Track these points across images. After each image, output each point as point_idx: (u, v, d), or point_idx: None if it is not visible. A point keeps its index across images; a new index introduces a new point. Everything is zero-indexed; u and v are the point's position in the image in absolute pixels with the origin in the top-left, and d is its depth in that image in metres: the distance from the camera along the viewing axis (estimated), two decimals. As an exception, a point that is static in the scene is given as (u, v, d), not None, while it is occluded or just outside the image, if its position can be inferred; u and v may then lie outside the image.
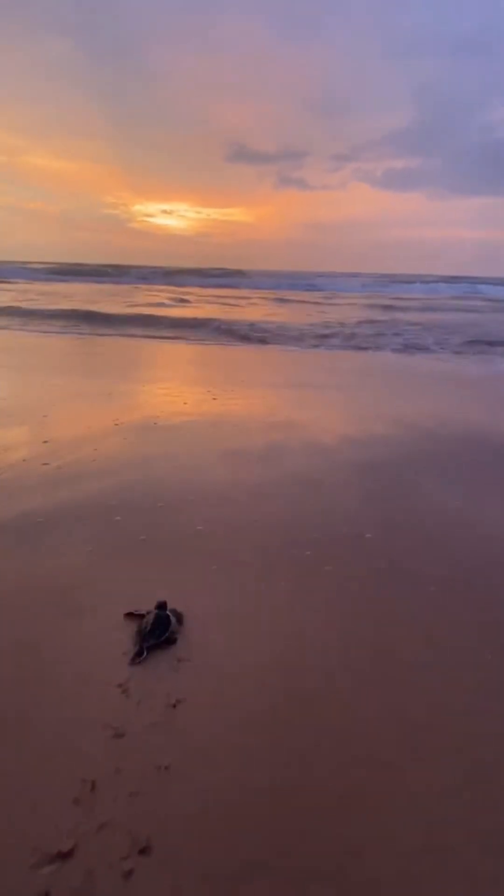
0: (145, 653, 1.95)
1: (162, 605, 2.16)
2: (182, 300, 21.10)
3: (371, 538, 2.88)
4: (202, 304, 19.72)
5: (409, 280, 42.01)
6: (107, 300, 19.37)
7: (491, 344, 11.15)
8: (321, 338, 11.80)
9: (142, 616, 2.12)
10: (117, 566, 2.54)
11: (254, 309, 19.49)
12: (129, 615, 2.16)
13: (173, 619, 2.08)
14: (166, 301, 20.32)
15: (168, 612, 2.11)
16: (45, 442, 4.20)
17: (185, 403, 5.72)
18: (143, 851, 1.26)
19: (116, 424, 4.79)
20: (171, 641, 2.01)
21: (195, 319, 14.26)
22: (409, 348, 10.69)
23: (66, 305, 15.87)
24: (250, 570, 2.54)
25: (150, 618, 2.07)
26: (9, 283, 27.39)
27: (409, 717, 1.71)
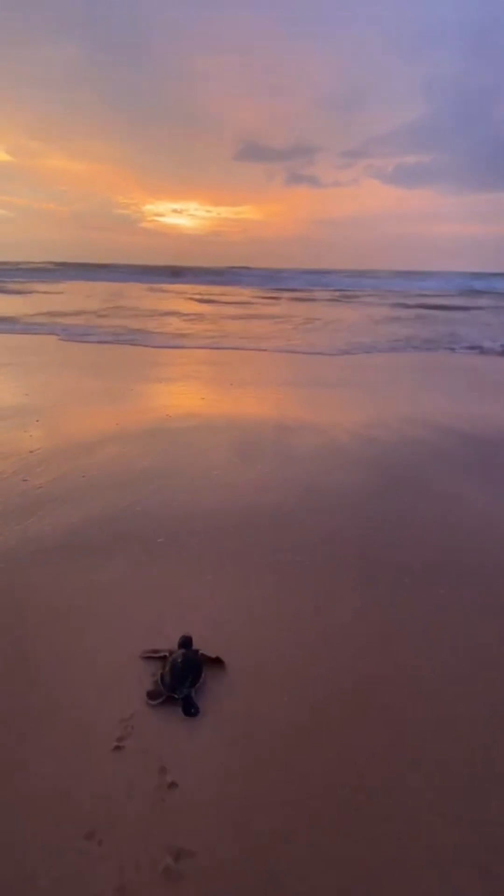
0: (164, 698, 1.64)
1: (187, 642, 1.83)
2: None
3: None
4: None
5: (426, 276, 41.03)
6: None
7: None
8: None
9: (163, 658, 1.78)
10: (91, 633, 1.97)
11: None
12: (148, 657, 1.81)
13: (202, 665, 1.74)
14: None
15: (195, 652, 1.78)
16: (32, 452, 3.63)
17: (202, 399, 5.30)
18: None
19: (118, 429, 4.24)
20: (189, 711, 1.62)
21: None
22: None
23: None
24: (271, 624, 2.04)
25: (178, 658, 1.72)
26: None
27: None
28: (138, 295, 21.70)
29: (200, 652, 1.79)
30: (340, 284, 33.41)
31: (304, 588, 2.25)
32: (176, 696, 1.63)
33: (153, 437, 4.08)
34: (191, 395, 5.69)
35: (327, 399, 5.76)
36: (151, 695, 1.65)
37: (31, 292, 20.66)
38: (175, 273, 38.87)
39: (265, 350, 9.02)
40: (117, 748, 1.48)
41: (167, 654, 1.78)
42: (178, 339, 10.11)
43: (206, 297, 21.54)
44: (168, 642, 1.85)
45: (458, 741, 1.55)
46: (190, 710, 1.62)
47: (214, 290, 26.00)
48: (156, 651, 1.81)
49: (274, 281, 34.92)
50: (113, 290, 23.05)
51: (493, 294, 27.28)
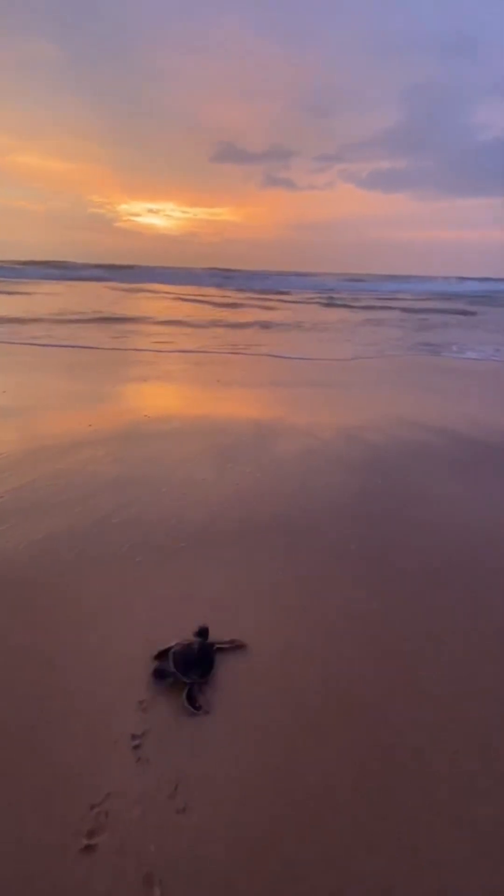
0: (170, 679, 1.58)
1: (203, 632, 1.76)
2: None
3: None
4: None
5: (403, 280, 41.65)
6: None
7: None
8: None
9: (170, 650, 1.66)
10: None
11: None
12: (162, 654, 1.67)
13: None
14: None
15: (211, 645, 1.71)
16: (-3, 457, 3.35)
17: (183, 400, 5.02)
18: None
19: (91, 430, 3.99)
20: (194, 704, 1.53)
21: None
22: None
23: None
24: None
25: (194, 644, 1.67)
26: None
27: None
28: (102, 295, 21.14)
29: (216, 646, 1.72)
30: (323, 286, 33.51)
31: (311, 606, 2.05)
32: (185, 680, 1.57)
33: (130, 440, 3.82)
34: (170, 396, 5.46)
35: (314, 400, 5.57)
36: (158, 673, 1.60)
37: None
38: (149, 273, 38.34)
39: (245, 354, 8.86)
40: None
41: (177, 644, 1.69)
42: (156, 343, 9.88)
43: (187, 298, 21.21)
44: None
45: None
46: (194, 703, 1.53)
47: (193, 291, 25.60)
48: (166, 650, 1.69)
49: (255, 281, 34.90)
50: (81, 290, 22.30)
51: (466, 298, 27.94)
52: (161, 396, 5.45)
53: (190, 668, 1.60)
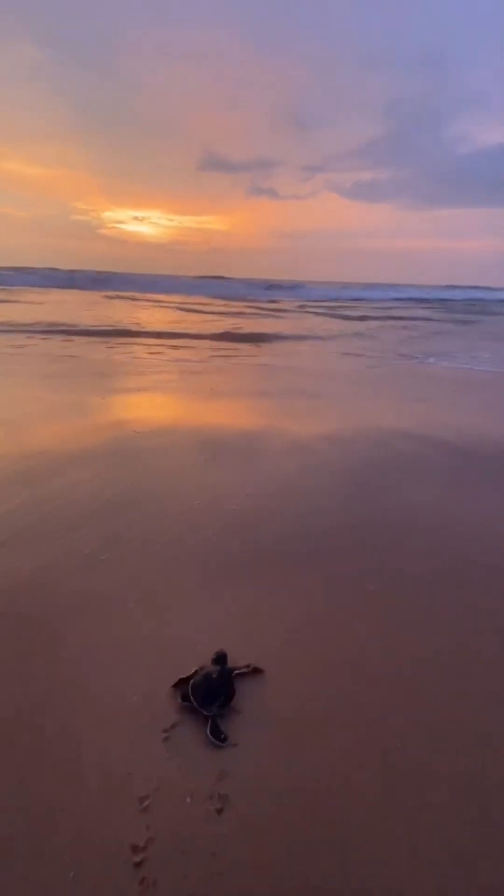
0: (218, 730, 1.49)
1: (221, 658, 1.71)
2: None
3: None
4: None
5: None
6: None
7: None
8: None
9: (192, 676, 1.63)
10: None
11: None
12: (180, 683, 1.63)
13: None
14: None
15: (230, 672, 1.66)
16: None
17: (171, 412, 4.73)
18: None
19: (78, 448, 3.64)
20: (219, 736, 1.47)
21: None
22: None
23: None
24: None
25: (213, 673, 1.62)
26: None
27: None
28: (93, 302, 20.77)
29: (235, 672, 1.67)
30: (315, 295, 33.28)
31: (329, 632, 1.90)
32: (205, 713, 1.52)
33: (118, 457, 3.52)
34: (159, 408, 5.16)
35: (307, 409, 5.37)
36: (185, 696, 1.56)
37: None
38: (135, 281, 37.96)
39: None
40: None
41: (197, 670, 1.65)
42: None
43: (180, 307, 20.87)
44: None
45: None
46: (219, 735, 1.47)
47: (184, 300, 25.14)
48: (186, 678, 1.63)
49: (244, 289, 34.70)
50: (67, 298, 21.84)
51: (450, 305, 28.10)
52: (149, 408, 5.17)
53: (211, 700, 1.54)
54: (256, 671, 1.69)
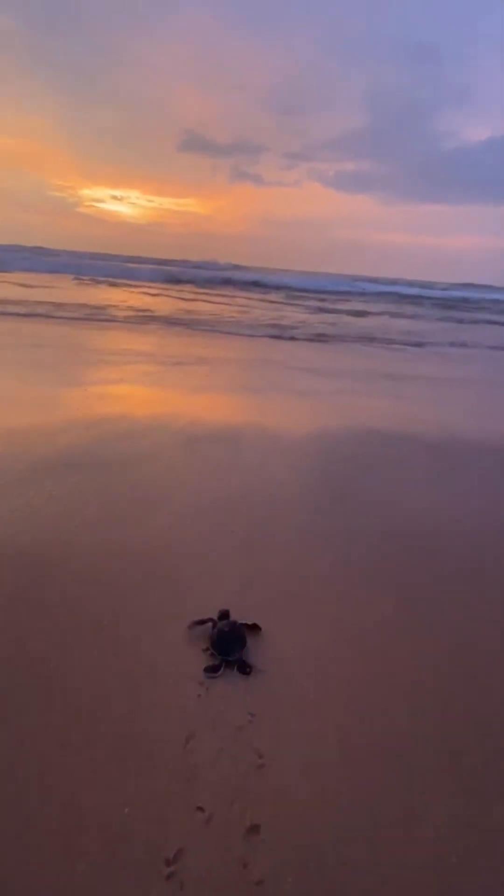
0: (223, 668, 1.88)
1: (225, 614, 2.08)
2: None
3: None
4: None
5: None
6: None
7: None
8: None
9: (208, 621, 2.04)
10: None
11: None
12: (196, 623, 2.04)
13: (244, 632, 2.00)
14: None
15: (237, 623, 2.02)
16: None
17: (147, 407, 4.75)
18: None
19: (56, 450, 3.72)
20: (244, 670, 1.89)
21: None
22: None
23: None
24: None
25: (226, 627, 1.97)
26: None
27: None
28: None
29: (239, 622, 2.03)
30: (292, 284, 32.52)
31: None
32: (230, 659, 1.89)
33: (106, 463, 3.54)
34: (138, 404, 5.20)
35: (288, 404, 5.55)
36: (209, 669, 1.87)
37: None
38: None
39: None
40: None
41: (211, 620, 2.04)
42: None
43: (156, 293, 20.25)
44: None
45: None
46: (245, 669, 1.88)
47: (164, 287, 24.12)
48: (202, 620, 2.04)
49: (227, 275, 33.69)
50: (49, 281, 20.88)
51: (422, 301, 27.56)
52: (127, 404, 5.12)
53: (230, 649, 1.91)
54: (256, 627, 2.05)
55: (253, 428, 4.54)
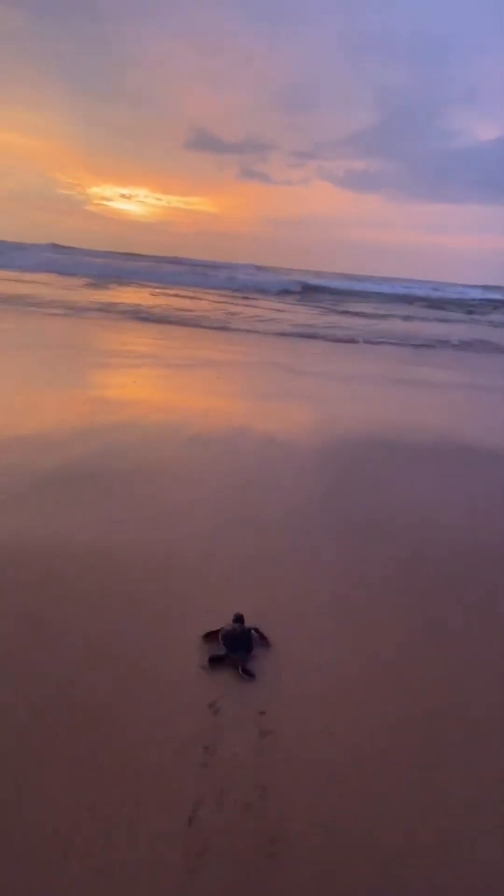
0: (225, 661, 1.92)
1: (239, 618, 2.10)
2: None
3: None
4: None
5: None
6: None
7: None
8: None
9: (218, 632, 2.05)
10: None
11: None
12: (209, 635, 2.06)
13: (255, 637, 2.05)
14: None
15: (249, 628, 2.06)
16: None
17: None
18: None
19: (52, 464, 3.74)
20: (249, 673, 1.92)
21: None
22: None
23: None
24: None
25: (236, 628, 2.03)
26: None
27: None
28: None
29: (253, 629, 2.07)
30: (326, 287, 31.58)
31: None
32: (233, 656, 1.92)
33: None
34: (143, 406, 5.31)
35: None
36: (213, 659, 1.93)
37: None
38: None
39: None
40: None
41: (223, 627, 2.07)
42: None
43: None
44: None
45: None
46: (248, 672, 1.90)
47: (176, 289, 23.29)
48: (213, 632, 2.06)
49: (239, 275, 33.68)
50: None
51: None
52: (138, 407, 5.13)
53: (237, 647, 1.96)
54: (265, 639, 2.07)
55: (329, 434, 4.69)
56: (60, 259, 31.97)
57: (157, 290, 21.26)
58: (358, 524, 3.13)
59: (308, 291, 27.21)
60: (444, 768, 1.62)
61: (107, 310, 12.82)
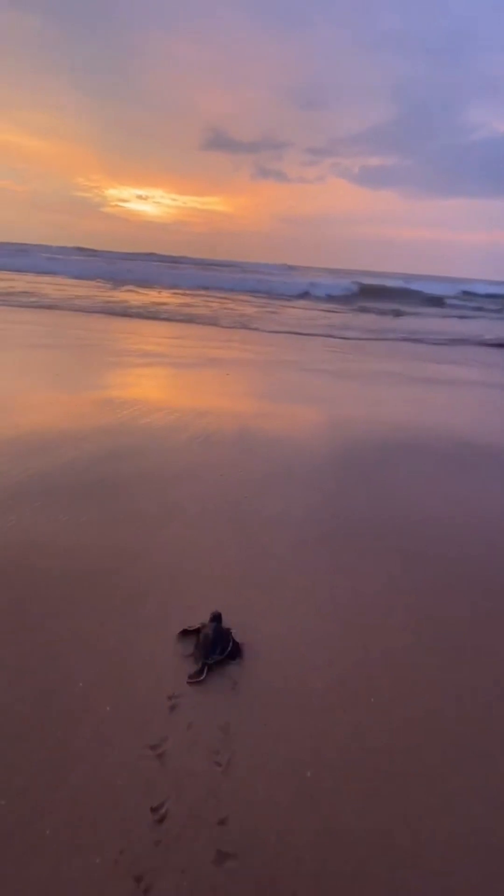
0: (206, 671, 1.86)
1: (217, 617, 2.04)
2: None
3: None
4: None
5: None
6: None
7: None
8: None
9: (197, 631, 2.01)
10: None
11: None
12: (185, 632, 2.03)
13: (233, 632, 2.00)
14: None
15: (225, 629, 2.00)
16: None
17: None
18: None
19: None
20: (234, 656, 1.93)
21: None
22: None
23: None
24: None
25: (210, 631, 1.96)
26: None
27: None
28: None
29: (231, 630, 2.01)
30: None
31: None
32: (208, 662, 1.87)
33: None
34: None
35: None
36: (192, 675, 1.85)
37: None
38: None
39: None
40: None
41: (200, 626, 2.01)
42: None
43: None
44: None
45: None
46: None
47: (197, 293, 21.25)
48: (191, 627, 2.04)
49: (253, 275, 33.55)
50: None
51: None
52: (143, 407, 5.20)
53: (212, 651, 1.90)
54: (237, 646, 1.98)
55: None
56: (97, 263, 31.95)
57: (219, 296, 20.42)
58: (362, 526, 3.09)
59: (365, 293, 25.36)
60: (447, 768, 1.62)
61: (214, 323, 12.96)
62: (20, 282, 18.47)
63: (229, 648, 1.92)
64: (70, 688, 1.78)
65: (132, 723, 1.67)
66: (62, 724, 1.64)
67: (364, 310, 19.29)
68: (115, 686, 1.81)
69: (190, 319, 13.14)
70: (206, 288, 23.57)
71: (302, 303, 21.06)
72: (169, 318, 13.05)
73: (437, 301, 24.86)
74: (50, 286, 18.22)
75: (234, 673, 1.90)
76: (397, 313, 18.44)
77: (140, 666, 1.90)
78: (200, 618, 2.08)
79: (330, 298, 23.18)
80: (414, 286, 28.45)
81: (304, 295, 23.86)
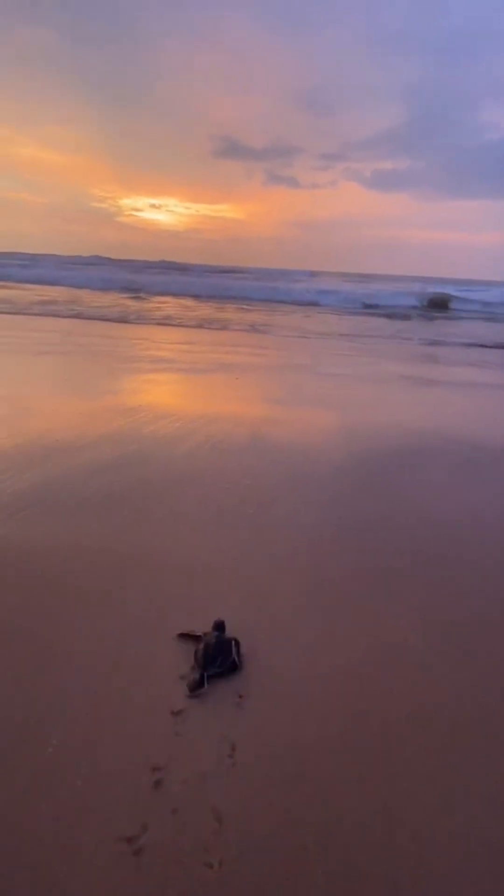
0: (206, 684, 1.78)
1: (220, 626, 1.96)
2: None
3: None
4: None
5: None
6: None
7: None
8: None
9: (198, 637, 1.93)
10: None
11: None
12: (184, 636, 1.97)
13: (234, 644, 1.90)
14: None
15: (229, 638, 1.93)
16: None
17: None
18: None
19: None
20: (234, 669, 1.84)
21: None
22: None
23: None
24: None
25: (211, 640, 1.88)
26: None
27: None
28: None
29: (234, 639, 1.93)
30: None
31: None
32: (208, 673, 1.79)
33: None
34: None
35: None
36: (191, 687, 1.77)
37: None
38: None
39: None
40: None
41: (202, 634, 1.94)
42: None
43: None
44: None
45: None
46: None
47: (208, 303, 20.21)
48: (192, 632, 1.97)
49: (268, 282, 33.53)
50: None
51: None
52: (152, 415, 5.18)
53: (211, 662, 1.82)
54: (237, 660, 1.89)
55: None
56: (110, 270, 32.27)
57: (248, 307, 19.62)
58: (376, 536, 3.03)
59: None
60: (450, 769, 1.61)
61: (267, 330, 13.03)
62: (31, 292, 18.98)
63: (228, 664, 1.84)
64: (65, 701, 1.76)
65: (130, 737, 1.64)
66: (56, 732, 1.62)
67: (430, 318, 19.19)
68: (115, 696, 1.78)
69: (224, 327, 13.20)
70: (223, 297, 22.73)
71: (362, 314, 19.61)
72: (203, 326, 13.15)
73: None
74: (63, 294, 18.55)
75: (235, 682, 1.85)
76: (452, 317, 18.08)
77: (138, 675, 1.86)
78: (204, 626, 2.02)
79: (393, 312, 20.54)
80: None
81: (371, 307, 22.05)
